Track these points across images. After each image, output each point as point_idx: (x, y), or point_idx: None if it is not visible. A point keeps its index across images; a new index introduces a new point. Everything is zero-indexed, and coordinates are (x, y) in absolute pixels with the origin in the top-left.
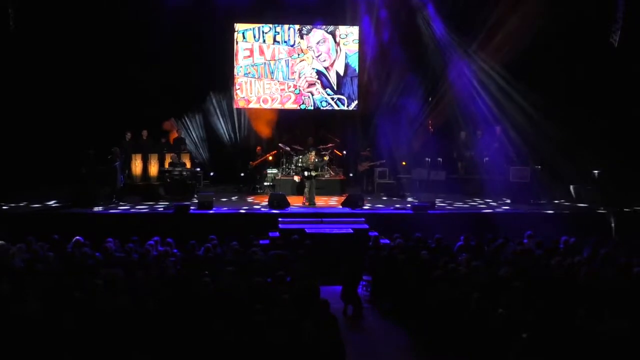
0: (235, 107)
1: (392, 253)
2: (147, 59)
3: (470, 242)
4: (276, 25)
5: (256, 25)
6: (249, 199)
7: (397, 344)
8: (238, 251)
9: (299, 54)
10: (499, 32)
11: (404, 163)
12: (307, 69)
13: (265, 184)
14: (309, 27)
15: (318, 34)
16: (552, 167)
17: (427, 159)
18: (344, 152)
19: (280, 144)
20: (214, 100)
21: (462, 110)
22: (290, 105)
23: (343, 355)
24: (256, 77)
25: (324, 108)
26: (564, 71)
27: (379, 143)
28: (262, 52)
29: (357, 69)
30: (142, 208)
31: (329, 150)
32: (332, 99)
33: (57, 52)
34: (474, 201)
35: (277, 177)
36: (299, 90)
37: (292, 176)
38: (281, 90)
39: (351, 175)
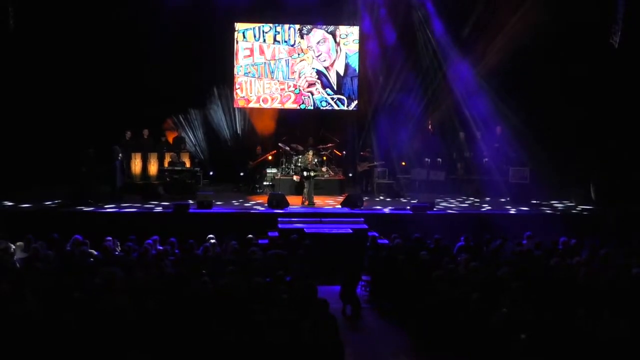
0: (235, 106)
1: (392, 253)
2: (147, 58)
3: (470, 242)
4: (276, 25)
5: (256, 25)
6: (249, 199)
7: (396, 344)
8: (237, 251)
9: (299, 54)
10: (497, 32)
11: (403, 163)
12: (307, 68)
13: (265, 183)
14: (309, 27)
15: (318, 33)
16: (551, 168)
17: (426, 159)
18: (344, 152)
19: (279, 144)
20: (213, 100)
21: (461, 111)
22: (290, 105)
23: (342, 356)
24: (256, 76)
25: (324, 108)
26: (563, 72)
27: (379, 143)
28: (262, 52)
29: (357, 69)
30: (142, 207)
31: (329, 150)
32: (332, 98)
33: (57, 51)
34: (474, 202)
35: (276, 177)
36: (299, 90)
37: (292, 176)
38: (281, 90)
39: (350, 175)
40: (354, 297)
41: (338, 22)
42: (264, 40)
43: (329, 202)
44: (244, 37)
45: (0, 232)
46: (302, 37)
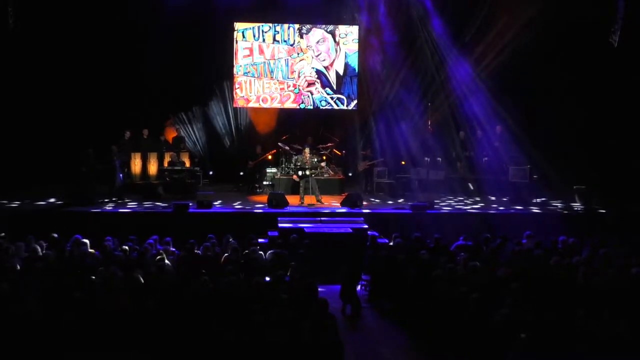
0: (234, 106)
1: (391, 253)
2: (147, 58)
3: (469, 242)
4: (276, 24)
5: (256, 25)
6: (248, 199)
7: (396, 343)
8: (237, 250)
9: (298, 53)
10: (496, 31)
11: (403, 162)
12: (306, 68)
13: (265, 183)
14: (308, 26)
15: (318, 33)
16: (551, 167)
17: (426, 158)
18: (344, 151)
19: (279, 143)
20: (213, 99)
21: (461, 110)
22: (289, 104)
23: (342, 355)
24: (256, 76)
25: (324, 107)
26: (562, 70)
27: (378, 142)
28: (261, 51)
29: (356, 69)
30: (142, 207)
31: (328, 150)
32: (332, 98)
33: (57, 51)
34: (473, 201)
35: (276, 177)
36: (299, 89)
37: (291, 176)
38: (281, 89)
39: (350, 174)
40: (353, 297)
41: (337, 22)
42: (264, 40)
43: (329, 202)
44: (244, 36)
45: (1, 232)
46: (301, 37)
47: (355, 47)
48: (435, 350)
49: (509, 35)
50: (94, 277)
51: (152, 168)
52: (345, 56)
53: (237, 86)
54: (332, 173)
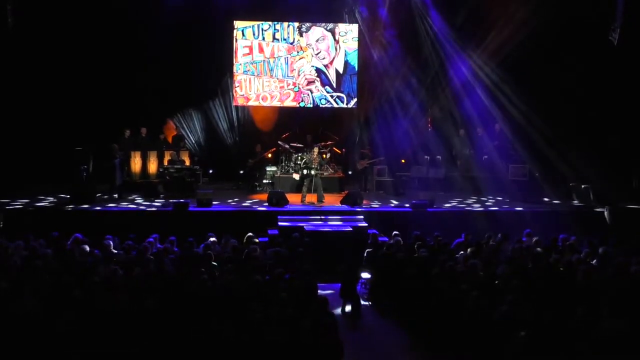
0: (234, 104)
1: (391, 251)
2: (146, 57)
3: (469, 240)
4: (275, 22)
5: (255, 23)
6: (248, 197)
7: (396, 342)
8: (237, 248)
9: (298, 52)
10: (496, 29)
11: (403, 161)
12: (306, 66)
13: (265, 181)
14: (308, 24)
15: (317, 31)
16: (550, 166)
17: (426, 156)
18: (343, 149)
19: (279, 142)
20: (213, 98)
21: (461, 107)
22: (289, 102)
23: (341, 354)
24: (255, 74)
25: (323, 106)
26: (562, 69)
27: (378, 141)
28: (261, 50)
29: (356, 67)
30: (142, 205)
31: (328, 148)
32: (332, 96)
33: (56, 49)
34: (473, 199)
35: (276, 175)
36: (298, 87)
37: (291, 174)
38: (280, 87)
39: (350, 172)
40: (354, 296)
41: (337, 20)
42: (263, 38)
43: (329, 200)
44: (243, 35)
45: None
46: (301, 35)
47: (355, 45)
48: (435, 349)
49: (507, 31)
50: (93, 276)
51: (152, 167)
52: (345, 54)
53: (236, 84)
54: (332, 171)
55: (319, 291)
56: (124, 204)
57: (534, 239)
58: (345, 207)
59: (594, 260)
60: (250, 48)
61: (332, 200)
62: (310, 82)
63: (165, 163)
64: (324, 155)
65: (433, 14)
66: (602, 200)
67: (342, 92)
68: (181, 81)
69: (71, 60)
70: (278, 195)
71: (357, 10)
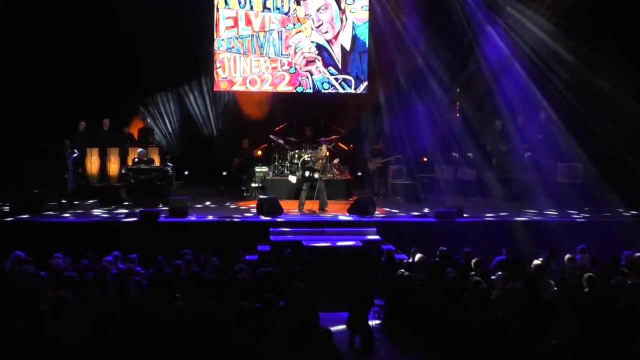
0: (215, 90)
1: (411, 271)
2: (109, 34)
3: (508, 257)
4: None
5: None
6: (233, 205)
7: None
8: (219, 269)
9: (294, 24)
10: None
11: (425, 159)
12: (304, 42)
13: (253, 185)
14: None
15: None
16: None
17: (454, 153)
18: (351, 145)
19: (271, 136)
20: (189, 82)
21: (497, 92)
22: (283, 87)
23: None
24: (241, 52)
25: (326, 91)
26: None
27: (394, 134)
28: (248, 22)
29: (367, 43)
30: (101, 216)
31: (332, 144)
32: (336, 79)
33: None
34: (513, 207)
35: (267, 177)
36: (295, 69)
37: (287, 176)
38: (272, 69)
39: (359, 174)
40: (364, 326)
41: None
42: (251, 7)
43: (334, 208)
44: (226, 3)
45: None
46: (298, 4)
47: (365, 15)
48: None
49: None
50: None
51: (113, 167)
52: (353, 27)
53: (218, 65)
54: (337, 173)
55: (320, 322)
56: (77, 214)
57: (590, 256)
58: (353, 217)
59: None
60: (235, 20)
61: (337, 209)
62: (309, 62)
63: (130, 163)
64: (327, 153)
65: None
66: None
67: (349, 74)
68: (151, 61)
69: (16, 40)
70: (270, 203)
71: None
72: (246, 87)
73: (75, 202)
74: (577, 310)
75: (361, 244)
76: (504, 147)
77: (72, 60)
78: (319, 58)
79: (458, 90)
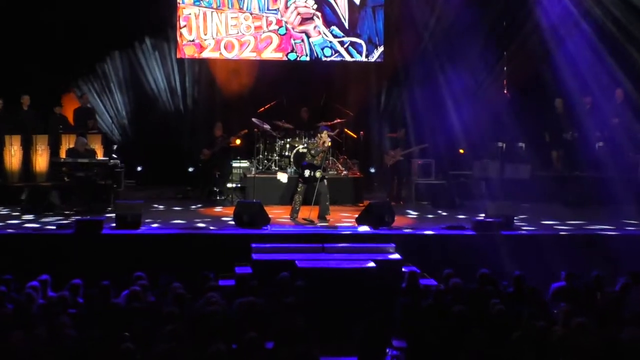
0: (179, 57)
1: (442, 302)
2: None
3: (573, 283)
4: None
5: None
6: (202, 212)
7: None
8: (183, 298)
9: None
10: None
11: (461, 151)
12: None
13: (230, 186)
14: None
15: None
16: None
17: (499, 144)
18: (361, 132)
19: (254, 120)
20: (143, 48)
21: (560, 64)
22: (270, 54)
23: None
24: (214, 6)
25: (328, 59)
26: None
27: (420, 117)
28: None
29: None
30: (23, 226)
31: (336, 130)
32: (342, 43)
33: None
34: (579, 215)
35: (249, 175)
36: (286, 29)
37: (275, 173)
38: (256, 29)
39: (372, 170)
40: None
41: None
42: None
43: (339, 216)
44: None
45: None
46: None
47: None
48: None
49: None
50: None
51: (41, 161)
52: None
53: (182, 24)
54: (342, 169)
55: None
56: None
57: None
58: (364, 229)
59: None
60: None
61: (343, 218)
62: (305, 20)
63: (63, 155)
64: (329, 143)
65: None
66: None
67: (358, 36)
68: (92, 21)
69: None
70: (252, 209)
71: None
72: (220, 54)
73: None
74: None
75: (374, 265)
76: (567, 135)
77: None
78: (319, 15)
79: (506, 58)
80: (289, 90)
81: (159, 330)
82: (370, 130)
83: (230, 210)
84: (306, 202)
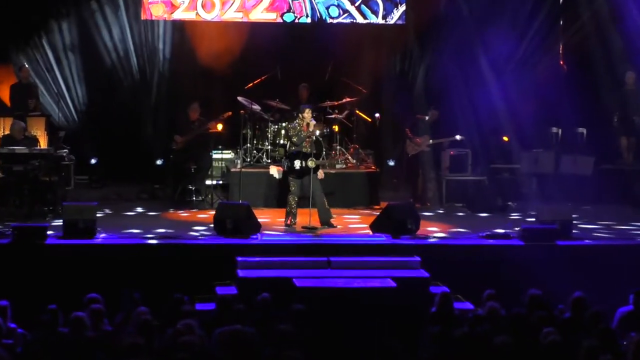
0: (144, 19)
1: (481, 331)
2: None
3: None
4: None
5: None
6: (173, 216)
7: None
8: (149, 327)
9: None
10: None
11: (505, 139)
12: None
13: (209, 182)
14: None
15: None
16: None
17: (553, 129)
18: (377, 115)
19: (239, 99)
20: (98, 7)
21: (629, 29)
22: (261, 15)
23: None
24: None
25: (334, 21)
26: None
27: (452, 96)
28: None
29: None
30: None
31: (346, 112)
32: (352, 1)
33: None
34: None
35: (233, 170)
36: None
37: (267, 166)
38: None
39: (391, 163)
40: None
41: None
42: None
43: (348, 221)
44: None
45: None
46: None
47: None
48: None
49: None
50: None
51: None
52: None
53: None
54: (353, 162)
55: None
56: None
57: None
58: (380, 238)
59: None
60: None
61: (354, 223)
62: None
63: None
64: (335, 127)
65: None
66: None
67: None
68: None
69: None
70: (238, 213)
71: None
72: (196, 14)
73: None
74: None
75: (394, 285)
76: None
77: None
78: None
79: (564, 21)
80: (285, 61)
81: None
82: (389, 113)
83: (209, 215)
84: (305, 204)
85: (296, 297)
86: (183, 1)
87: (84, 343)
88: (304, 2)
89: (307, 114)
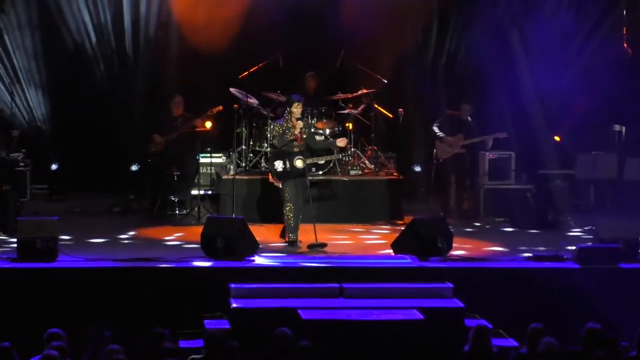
0: None
1: None
2: None
3: None
4: None
5: None
6: (151, 234)
7: None
8: None
9: None
10: None
11: (557, 138)
12: None
13: (195, 193)
14: None
15: None
16: None
17: (616, 127)
18: (400, 110)
19: (232, 90)
20: None
21: None
22: None
23: None
24: None
25: None
26: None
27: (489, 88)
28: None
29: None
30: None
31: (362, 106)
32: None
33: None
34: None
35: (224, 177)
36: None
37: (266, 173)
38: None
39: (418, 169)
40: None
41: None
42: None
43: (364, 240)
44: None
45: None
46: None
47: None
48: None
49: None
50: None
51: None
52: None
53: None
54: (371, 167)
55: None
56: None
57: None
58: (404, 261)
59: None
60: None
61: (372, 240)
62: None
63: None
64: (348, 124)
65: None
66: None
67: None
68: None
69: None
70: (231, 230)
71: None
72: None
73: None
74: None
75: (422, 317)
76: None
77: None
78: None
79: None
80: (288, 45)
81: None
82: (414, 107)
83: (196, 231)
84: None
85: (302, 332)
86: None
87: None
88: None
89: (297, 108)
